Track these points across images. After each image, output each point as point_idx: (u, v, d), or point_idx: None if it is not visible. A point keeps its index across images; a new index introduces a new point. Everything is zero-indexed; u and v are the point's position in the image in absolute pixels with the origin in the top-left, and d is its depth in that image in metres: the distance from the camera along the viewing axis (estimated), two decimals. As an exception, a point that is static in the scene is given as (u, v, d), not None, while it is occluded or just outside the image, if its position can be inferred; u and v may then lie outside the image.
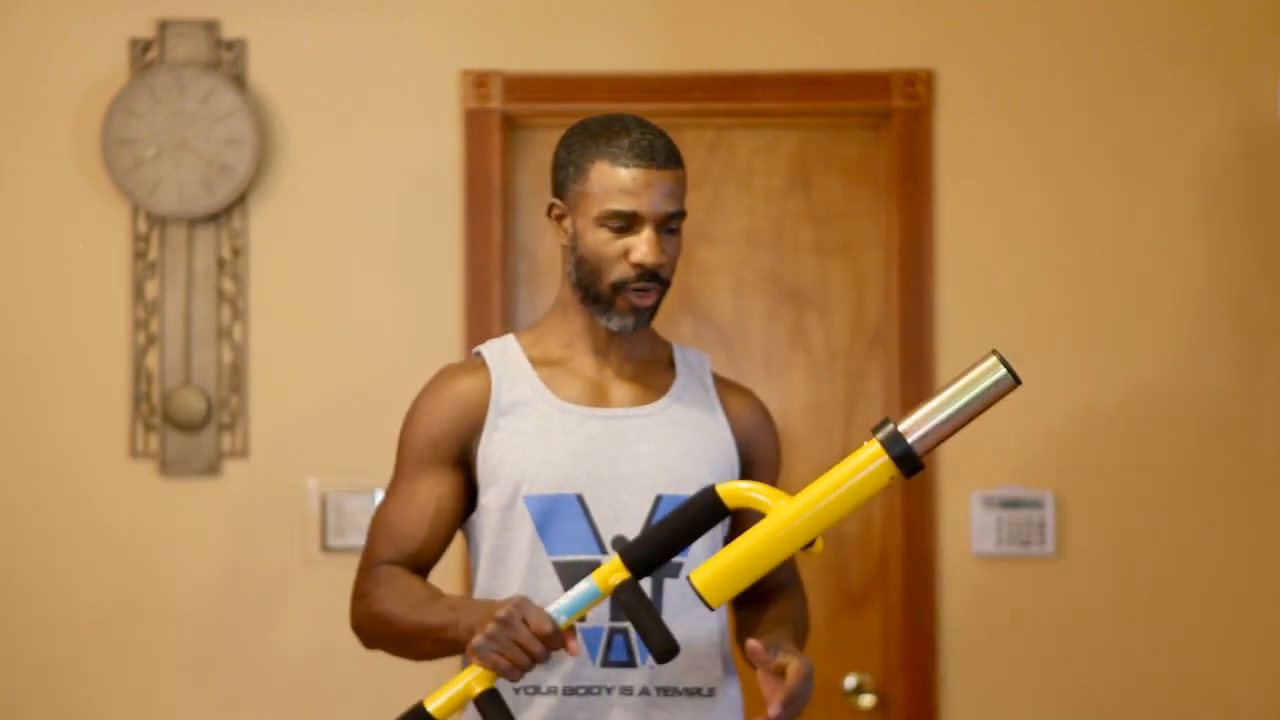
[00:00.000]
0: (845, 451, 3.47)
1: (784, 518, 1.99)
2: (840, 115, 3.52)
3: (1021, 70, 3.47)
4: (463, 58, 3.48)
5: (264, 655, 3.43)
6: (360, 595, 2.28)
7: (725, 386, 2.37)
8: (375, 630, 2.25)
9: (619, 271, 2.21)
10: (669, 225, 2.21)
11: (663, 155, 2.20)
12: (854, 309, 3.52)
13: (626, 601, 2.01)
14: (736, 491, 2.03)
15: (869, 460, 1.98)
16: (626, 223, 2.19)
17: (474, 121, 3.47)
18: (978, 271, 3.46)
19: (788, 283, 3.52)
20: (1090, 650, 3.42)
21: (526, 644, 2.00)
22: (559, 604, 2.03)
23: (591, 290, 2.23)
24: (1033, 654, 3.42)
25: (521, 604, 2.02)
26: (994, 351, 1.97)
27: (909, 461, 1.96)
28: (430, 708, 2.03)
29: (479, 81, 3.46)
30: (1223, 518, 3.43)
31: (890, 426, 1.97)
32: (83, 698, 3.42)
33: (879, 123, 3.51)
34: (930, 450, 1.97)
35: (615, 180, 2.19)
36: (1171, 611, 3.42)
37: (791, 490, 2.05)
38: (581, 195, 2.22)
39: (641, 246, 2.19)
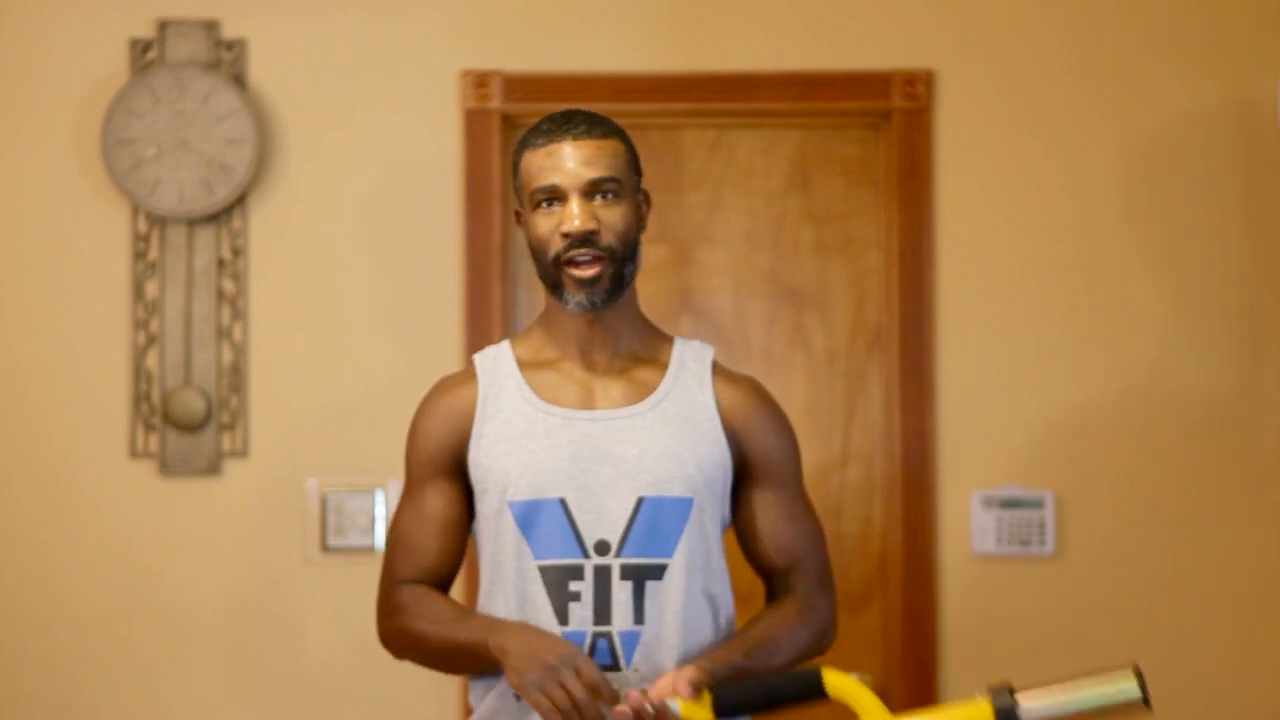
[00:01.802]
0: (845, 452, 3.48)
1: None
2: (840, 115, 3.52)
3: (1021, 70, 3.47)
4: (463, 58, 3.48)
5: (264, 655, 3.43)
6: (387, 613, 2.30)
7: (724, 379, 2.32)
8: (406, 646, 2.28)
9: (553, 245, 2.21)
10: (601, 192, 2.21)
11: (581, 127, 2.21)
12: (854, 309, 3.52)
13: None
14: (841, 684, 2.05)
15: (974, 715, 1.98)
16: (553, 196, 2.21)
17: (474, 121, 3.47)
18: (978, 271, 3.46)
19: (788, 283, 3.52)
20: (1090, 650, 3.41)
21: (574, 690, 2.05)
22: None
23: (545, 277, 2.25)
24: (1033, 654, 3.42)
25: (574, 655, 2.07)
26: (1135, 666, 1.98)
27: None
28: None
29: (479, 81, 3.47)
30: (1223, 517, 3.43)
31: (1007, 691, 1.98)
32: (83, 698, 3.42)
33: (879, 123, 3.51)
34: None
35: (536, 161, 2.22)
36: (1171, 611, 3.42)
37: None
38: (521, 190, 2.26)
39: (567, 217, 2.20)
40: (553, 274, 2.23)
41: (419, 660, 2.29)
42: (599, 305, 2.22)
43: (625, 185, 2.23)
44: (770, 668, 2.22)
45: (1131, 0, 3.47)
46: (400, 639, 2.28)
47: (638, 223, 2.26)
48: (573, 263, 2.20)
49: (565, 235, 2.19)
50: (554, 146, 2.20)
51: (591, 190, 2.20)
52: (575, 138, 2.20)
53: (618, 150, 2.24)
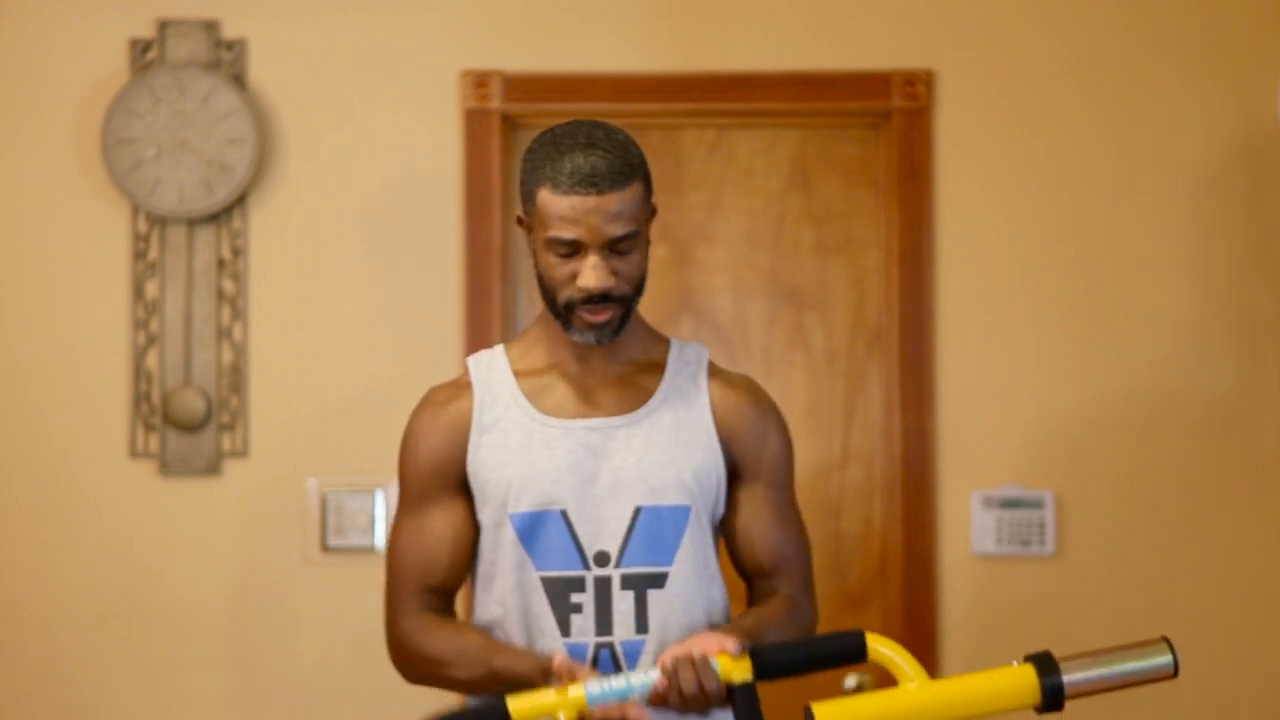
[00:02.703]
0: (845, 452, 3.48)
1: (913, 696, 2.01)
2: (840, 115, 3.52)
3: (1021, 70, 3.47)
4: (463, 58, 3.48)
5: (264, 655, 3.43)
6: (401, 642, 2.27)
7: (719, 381, 2.31)
8: (424, 676, 2.26)
9: (567, 294, 2.19)
10: (618, 247, 2.17)
11: (606, 179, 2.14)
12: (854, 309, 3.52)
13: (741, 702, 2.03)
14: (885, 646, 2.05)
15: (1017, 679, 2.01)
16: (571, 249, 2.17)
17: (474, 121, 3.47)
18: (978, 271, 3.46)
19: (788, 283, 3.52)
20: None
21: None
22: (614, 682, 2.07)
23: (552, 307, 2.23)
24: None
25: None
26: (1165, 639, 2.02)
27: (1054, 695, 1.99)
28: (511, 706, 2.02)
29: (479, 81, 3.47)
30: (1222, 517, 3.43)
31: (1050, 657, 2.01)
32: (83, 698, 3.42)
33: (879, 123, 3.51)
34: (1074, 696, 2.00)
35: (556, 208, 2.16)
36: (1171, 611, 3.42)
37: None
38: (533, 217, 2.21)
39: (586, 272, 2.16)
40: (563, 314, 2.20)
41: (444, 688, 2.27)
42: (604, 341, 2.22)
43: (641, 230, 2.21)
44: None
45: (1131, 0, 3.47)
46: (418, 672, 2.26)
47: (648, 253, 2.24)
48: (587, 310, 2.19)
49: (582, 290, 2.17)
50: (580, 200, 2.14)
51: (613, 245, 2.17)
52: (600, 192, 2.14)
53: (637, 193, 2.18)
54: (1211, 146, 3.44)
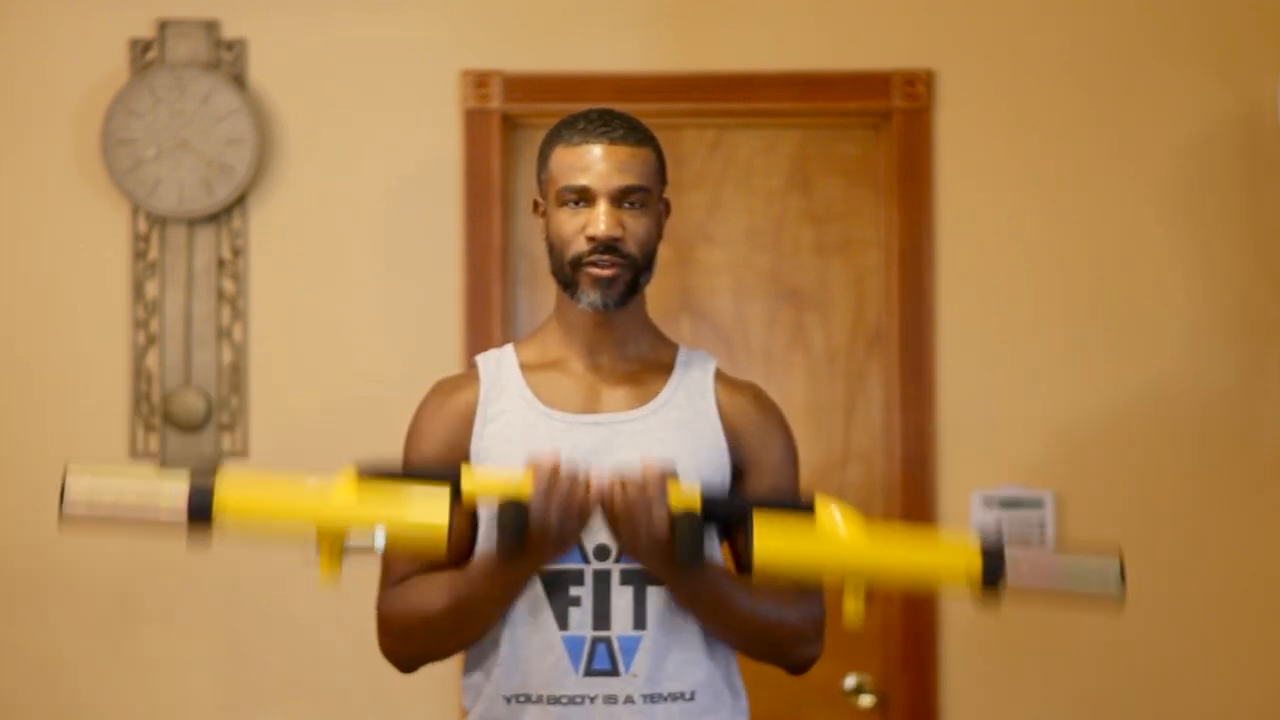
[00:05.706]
0: (845, 452, 3.48)
1: (851, 543, 2.04)
2: (840, 115, 3.52)
3: (1021, 70, 3.47)
4: (463, 58, 3.48)
5: (264, 655, 3.44)
6: (389, 619, 2.27)
7: (726, 385, 2.32)
8: (419, 629, 2.24)
9: (576, 246, 2.22)
10: (629, 200, 2.21)
11: (618, 131, 2.22)
12: (854, 309, 3.52)
13: (684, 530, 2.02)
14: (829, 506, 2.08)
15: (959, 552, 2.02)
16: (581, 197, 2.21)
17: (474, 121, 3.47)
18: (978, 271, 3.46)
19: (788, 283, 3.53)
20: (1090, 650, 3.42)
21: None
22: None
23: (560, 273, 2.25)
24: (1033, 654, 3.42)
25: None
26: (1120, 557, 2.00)
27: (992, 573, 2.00)
28: (464, 485, 2.03)
29: (479, 81, 3.47)
30: (1223, 518, 3.43)
31: (999, 542, 2.00)
32: (83, 698, 3.42)
33: (879, 123, 3.51)
34: (1015, 591, 2.00)
35: (568, 158, 2.22)
36: (1171, 612, 3.42)
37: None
38: (547, 182, 2.26)
39: (594, 220, 2.20)
40: (569, 272, 2.23)
41: (435, 642, 2.24)
42: (611, 306, 2.23)
43: (653, 195, 2.25)
44: (741, 608, 2.20)
45: (1132, 0, 3.47)
46: (411, 644, 2.25)
47: (659, 232, 2.28)
48: (593, 264, 2.21)
49: (590, 239, 2.20)
50: (589, 147, 2.21)
51: (620, 196, 2.21)
52: (612, 141, 2.21)
53: (650, 159, 2.25)
54: (1212, 146, 3.44)
